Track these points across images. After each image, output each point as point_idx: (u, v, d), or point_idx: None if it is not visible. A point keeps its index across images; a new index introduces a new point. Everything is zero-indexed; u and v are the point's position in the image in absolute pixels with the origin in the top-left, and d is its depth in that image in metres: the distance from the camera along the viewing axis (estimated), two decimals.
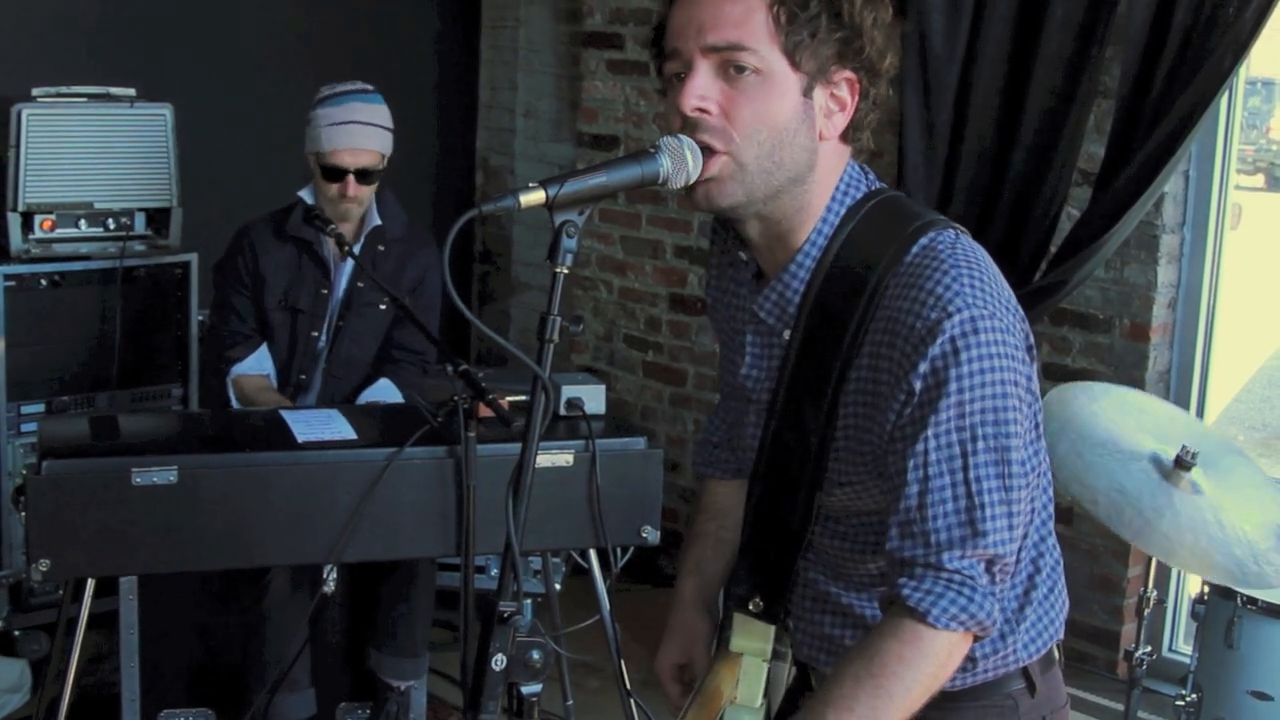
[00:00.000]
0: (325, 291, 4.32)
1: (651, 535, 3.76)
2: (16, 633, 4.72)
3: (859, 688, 1.85)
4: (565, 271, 1.87)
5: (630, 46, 5.68)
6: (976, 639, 1.90)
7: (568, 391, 3.87)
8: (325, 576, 3.54)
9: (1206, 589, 3.86)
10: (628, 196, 5.77)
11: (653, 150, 1.89)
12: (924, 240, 1.92)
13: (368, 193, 4.28)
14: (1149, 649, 3.92)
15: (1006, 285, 1.92)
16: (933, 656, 1.86)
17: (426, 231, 4.59)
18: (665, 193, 2.08)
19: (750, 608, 2.13)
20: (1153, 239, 4.71)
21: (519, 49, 6.47)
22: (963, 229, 1.97)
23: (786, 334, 2.02)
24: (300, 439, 3.52)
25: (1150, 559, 3.91)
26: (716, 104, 1.90)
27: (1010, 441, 1.87)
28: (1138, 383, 4.74)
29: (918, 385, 1.85)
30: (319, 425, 3.63)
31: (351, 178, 4.20)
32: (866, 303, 1.91)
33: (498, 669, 1.88)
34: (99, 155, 4.76)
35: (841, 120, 1.96)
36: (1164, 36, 4.28)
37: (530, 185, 1.84)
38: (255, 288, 4.30)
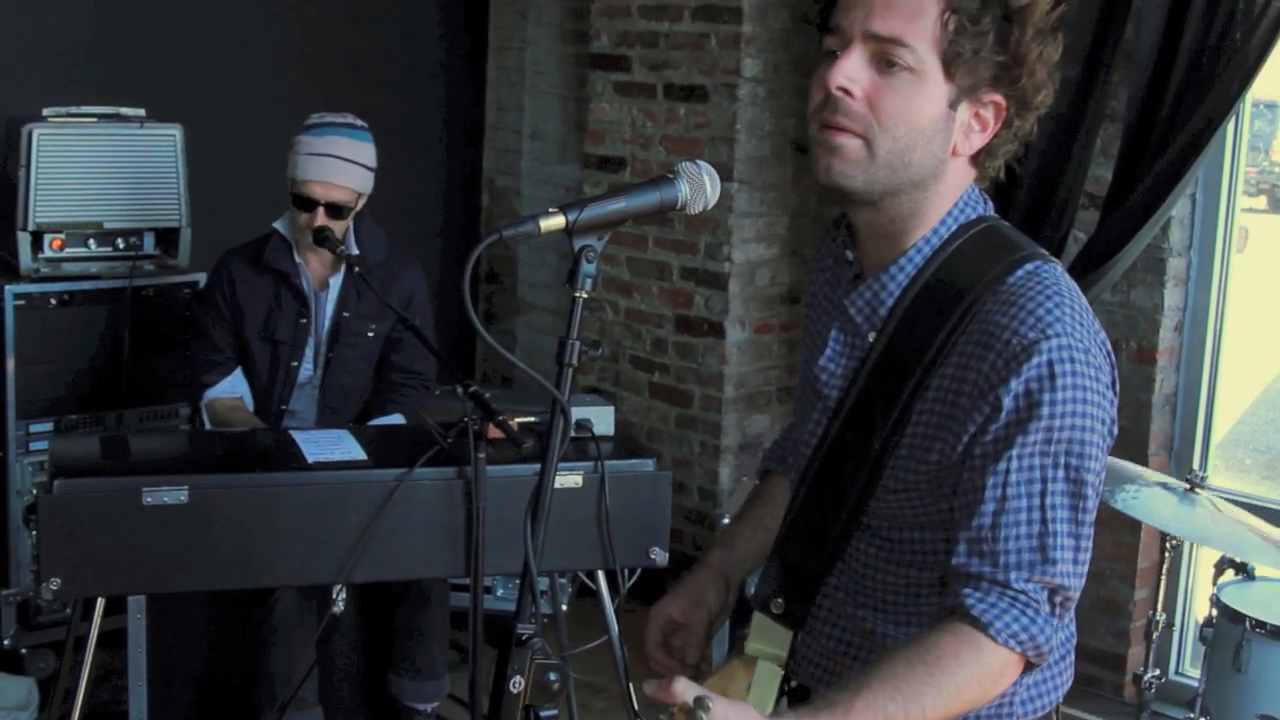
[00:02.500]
0: (305, 321, 4.32)
1: (660, 557, 3.76)
2: (24, 650, 4.71)
3: (910, 671, 1.84)
4: (585, 296, 1.89)
5: (637, 68, 5.69)
6: (1030, 667, 1.89)
7: (577, 413, 3.87)
8: (335, 596, 3.55)
9: (1214, 612, 3.86)
10: (633, 218, 5.77)
11: (671, 176, 1.91)
12: (1029, 267, 1.94)
13: (338, 227, 4.24)
14: (1157, 672, 3.93)
15: (1100, 326, 1.94)
16: (987, 667, 1.86)
17: (410, 251, 4.58)
18: (674, 215, 2.09)
19: (772, 609, 2.13)
20: (1160, 262, 4.72)
21: (526, 70, 6.48)
22: (1062, 266, 1.99)
23: (871, 336, 2.03)
24: (310, 459, 3.54)
25: (1158, 582, 3.92)
26: (862, 89, 1.91)
27: (1088, 477, 1.88)
28: (1144, 405, 4.75)
29: (1007, 402, 1.85)
30: (329, 446, 3.65)
31: (321, 210, 4.18)
32: (960, 315, 1.92)
33: (515, 690, 1.88)
34: (109, 175, 4.77)
35: (979, 140, 1.97)
36: (1171, 61, 4.30)
37: (550, 210, 1.85)
38: (235, 319, 4.32)
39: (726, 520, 4.54)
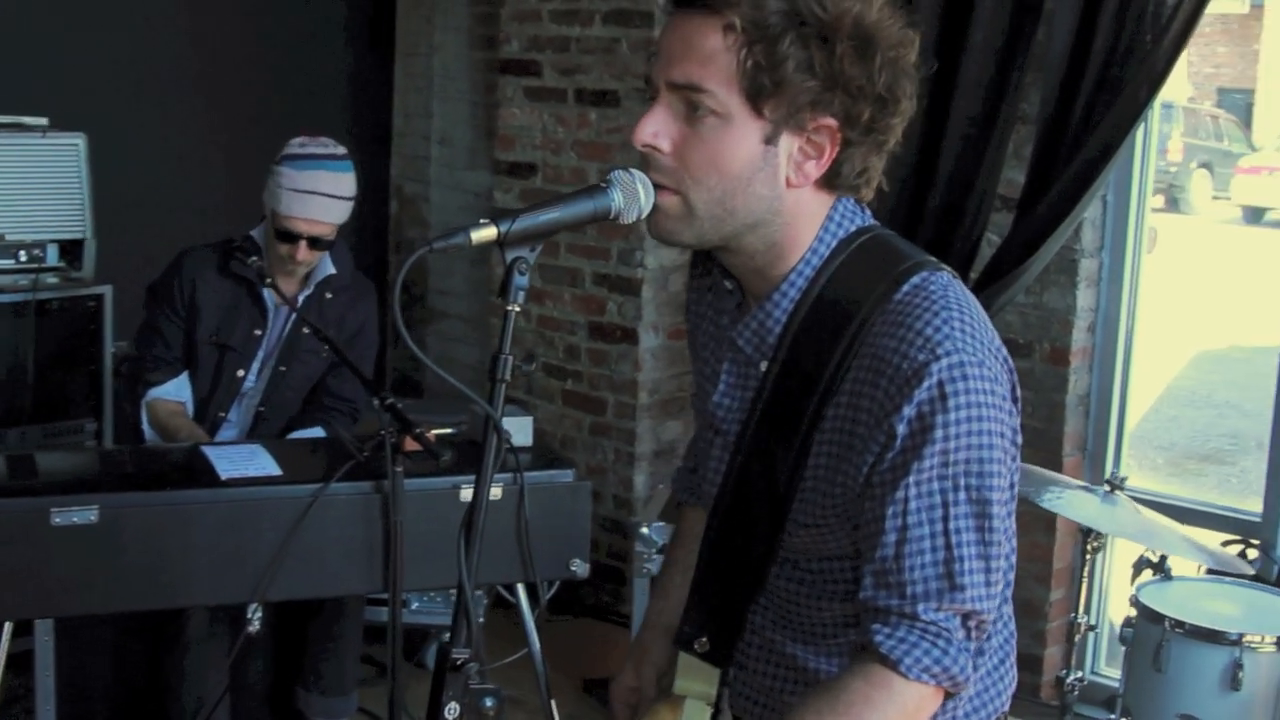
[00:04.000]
0: (258, 332, 4.24)
1: (581, 568, 3.73)
2: None
3: None
4: (518, 309, 1.83)
5: (548, 73, 5.64)
6: (948, 696, 1.85)
7: None
8: (250, 616, 3.48)
9: (1134, 613, 3.88)
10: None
11: (604, 185, 1.85)
12: (915, 280, 1.86)
13: (317, 257, 4.22)
14: (1080, 674, 3.94)
15: (995, 332, 1.87)
16: (900, 706, 1.81)
17: (367, 280, 4.55)
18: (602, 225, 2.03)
19: (696, 648, 2.08)
20: (1072, 263, 4.74)
21: (434, 76, 6.42)
22: (954, 273, 1.92)
23: (763, 365, 1.96)
24: (223, 475, 3.47)
25: (1074, 583, 3.93)
26: (670, 141, 1.85)
27: (992, 495, 1.82)
28: (1058, 406, 4.77)
29: (900, 429, 1.78)
30: (242, 461, 3.57)
31: (303, 244, 4.13)
32: (850, 340, 1.85)
33: (450, 718, 1.83)
34: (10, 185, 4.66)
35: (814, 170, 1.87)
36: (1083, 63, 4.31)
37: (482, 221, 1.80)
38: (189, 318, 4.22)
39: (645, 529, 4.50)
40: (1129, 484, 4.06)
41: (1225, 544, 4.53)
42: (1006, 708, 2.06)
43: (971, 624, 1.83)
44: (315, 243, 4.15)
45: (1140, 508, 3.89)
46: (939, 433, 1.77)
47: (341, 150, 4.22)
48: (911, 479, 1.79)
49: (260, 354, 4.27)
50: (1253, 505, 7.73)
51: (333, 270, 4.30)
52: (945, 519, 1.80)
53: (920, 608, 1.80)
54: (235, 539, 3.38)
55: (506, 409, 3.95)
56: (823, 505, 1.90)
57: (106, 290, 4.80)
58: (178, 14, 5.79)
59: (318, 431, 4.30)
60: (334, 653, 4.15)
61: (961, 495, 1.80)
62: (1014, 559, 1.97)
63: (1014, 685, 2.05)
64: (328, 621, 4.12)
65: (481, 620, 4.60)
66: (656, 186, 1.87)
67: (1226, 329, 12.31)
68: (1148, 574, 4.02)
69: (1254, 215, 19.51)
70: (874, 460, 1.82)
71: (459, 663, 1.87)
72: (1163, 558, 3.99)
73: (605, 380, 5.61)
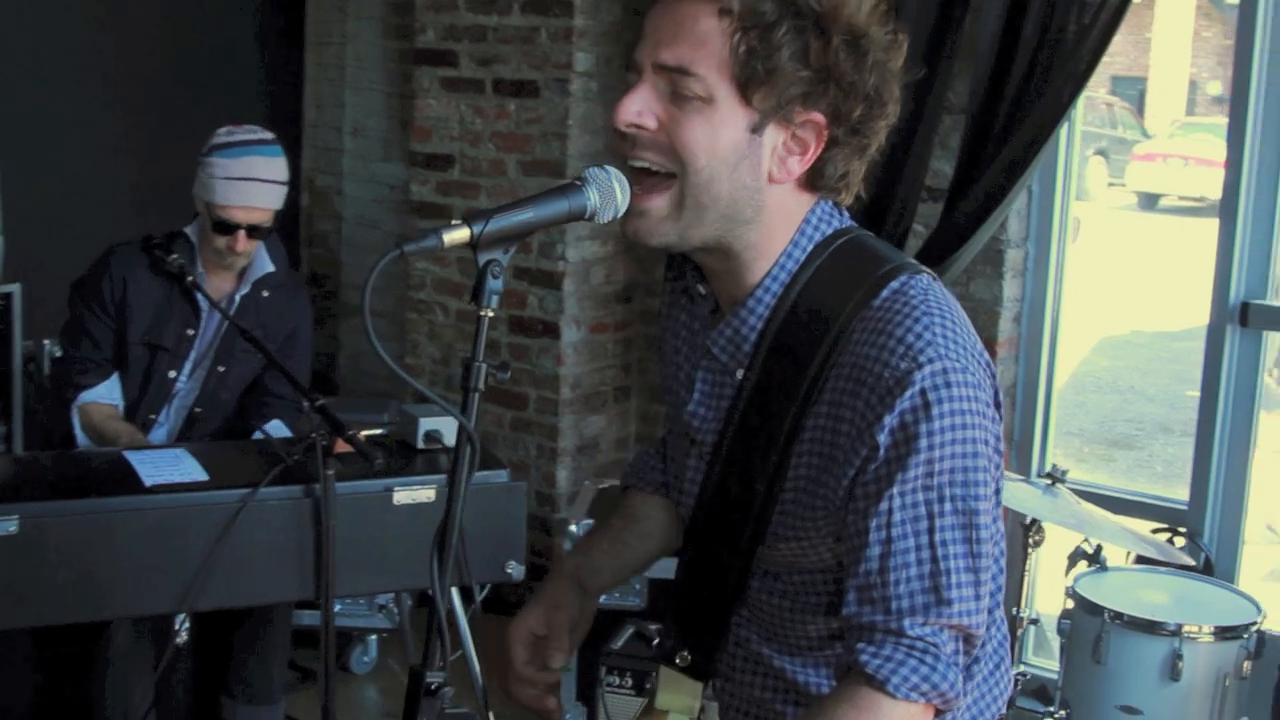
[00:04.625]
0: (191, 332, 4.11)
1: (516, 570, 3.66)
2: None
3: None
4: (491, 314, 1.75)
5: (465, 63, 5.54)
6: (938, 712, 1.78)
7: (425, 424, 3.76)
8: (178, 627, 3.37)
9: (1071, 605, 3.86)
10: (461, 214, 5.63)
11: (579, 183, 1.77)
12: (894, 284, 1.80)
13: (255, 246, 4.11)
14: (1022, 668, 3.93)
15: (977, 336, 1.82)
16: None
17: (299, 277, 4.44)
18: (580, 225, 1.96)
19: (678, 661, 2.02)
20: (998, 254, 4.72)
21: (346, 66, 6.30)
22: (934, 274, 1.86)
23: (739, 373, 1.89)
24: (148, 482, 3.36)
25: (1014, 578, 3.91)
26: (656, 120, 1.78)
27: (978, 505, 1.76)
28: None
29: (883, 440, 1.72)
30: (167, 466, 3.46)
31: (242, 234, 4.01)
32: (830, 346, 1.79)
33: None
34: None
35: (797, 165, 1.81)
36: (1012, 53, 4.29)
37: (454, 223, 1.72)
38: (118, 317, 4.07)
39: (573, 527, 4.43)
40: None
41: (1153, 532, 4.55)
42: (1003, 711, 2.01)
43: (960, 638, 1.77)
44: (254, 231, 4.04)
45: (1078, 500, 3.88)
46: (923, 442, 1.72)
47: (270, 135, 4.12)
48: (895, 490, 1.73)
49: (192, 354, 4.14)
50: (1160, 489, 7.85)
51: (270, 268, 4.19)
52: (931, 531, 1.74)
53: (906, 623, 1.74)
54: (161, 547, 3.27)
55: (436, 407, 3.90)
56: (803, 518, 1.84)
57: (15, 290, 4.63)
58: (84, 4, 5.63)
59: (277, 425, 4.19)
60: (261, 660, 4.05)
61: (948, 506, 1.74)
62: (1003, 563, 1.93)
63: (1010, 689, 2.00)
64: (254, 628, 4.01)
65: (401, 621, 4.52)
66: (640, 180, 1.80)
67: (1127, 315, 12.44)
68: (1083, 565, 4.02)
69: (1149, 202, 19.79)
70: (856, 472, 1.76)
71: (434, 687, 1.78)
72: (1098, 549, 3.99)
73: (527, 375, 5.53)
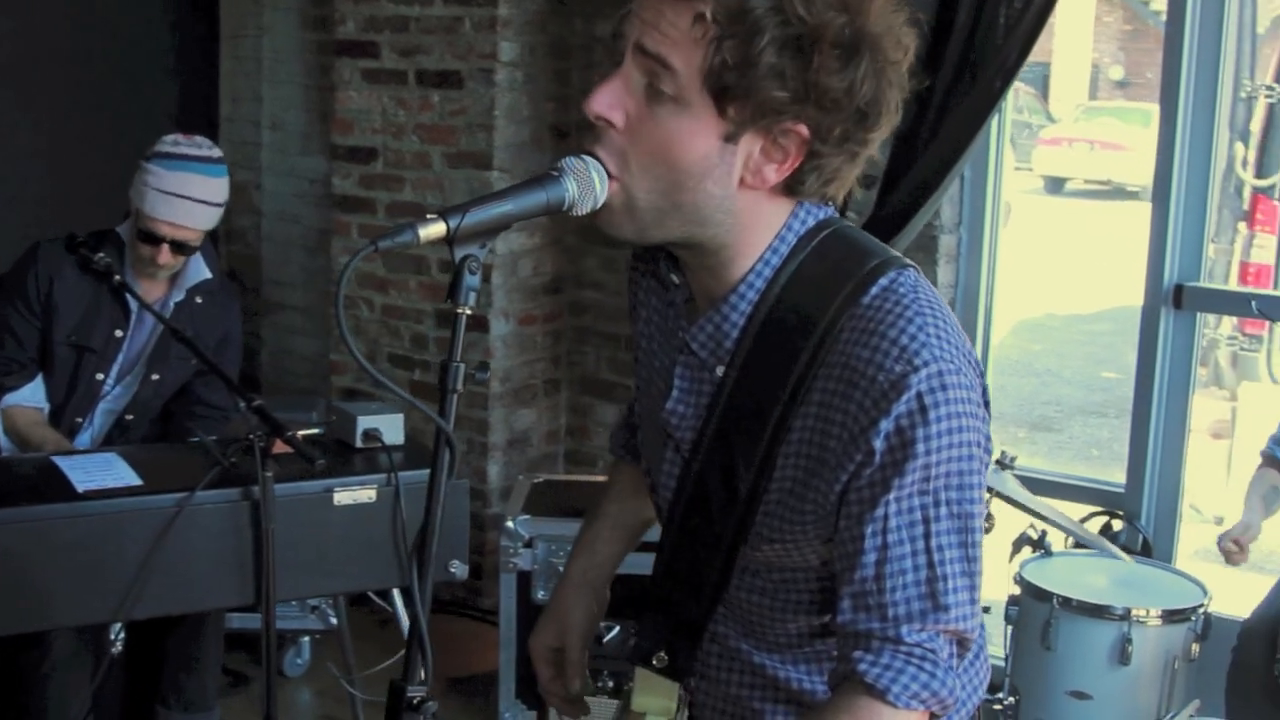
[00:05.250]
0: (120, 334, 3.99)
1: (460, 570, 3.59)
2: None
3: None
4: (469, 312, 1.68)
5: (387, 54, 5.46)
6: (934, 716, 1.74)
7: (364, 422, 3.67)
8: (114, 637, 3.27)
9: (1019, 591, 3.85)
10: (386, 209, 5.57)
11: (555, 173, 1.69)
12: (883, 281, 1.73)
13: (180, 261, 3.99)
14: None
15: (964, 332, 1.76)
16: None
17: (230, 283, 4.37)
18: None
19: (655, 663, 1.96)
20: (931, 240, 4.72)
21: (263, 59, 6.18)
22: (917, 267, 1.79)
23: (720, 370, 1.82)
24: (80, 488, 3.25)
25: None
26: (624, 117, 1.70)
27: (973, 508, 1.72)
28: None
29: (879, 445, 1.67)
30: (99, 472, 3.35)
31: (166, 247, 3.90)
32: (817, 345, 1.73)
33: None
34: None
35: (774, 174, 1.72)
36: (946, 38, 4.28)
37: (429, 217, 1.65)
38: (44, 316, 3.94)
39: (510, 523, 4.36)
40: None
41: (1090, 516, 4.56)
42: (982, 699, 1.97)
43: (957, 643, 1.73)
44: (179, 247, 3.93)
45: (1022, 486, 3.88)
46: (920, 447, 1.66)
47: (216, 153, 4.01)
48: (892, 496, 1.68)
49: (121, 357, 4.03)
50: (1081, 471, 7.91)
51: (207, 274, 4.09)
52: (927, 536, 1.69)
53: (904, 630, 1.69)
54: (95, 555, 3.17)
55: (376, 407, 3.84)
56: (790, 521, 1.78)
57: None
58: None
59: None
60: (195, 667, 3.95)
61: (943, 510, 1.70)
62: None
63: (988, 678, 1.96)
64: (188, 635, 3.91)
65: (335, 621, 4.43)
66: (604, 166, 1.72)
67: (1041, 298, 12.53)
68: (1027, 551, 4.01)
69: (1055, 185, 19.99)
70: (849, 477, 1.70)
71: (416, 702, 1.71)
72: (1043, 534, 3.98)
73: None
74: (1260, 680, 3.66)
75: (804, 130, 1.68)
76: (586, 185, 1.70)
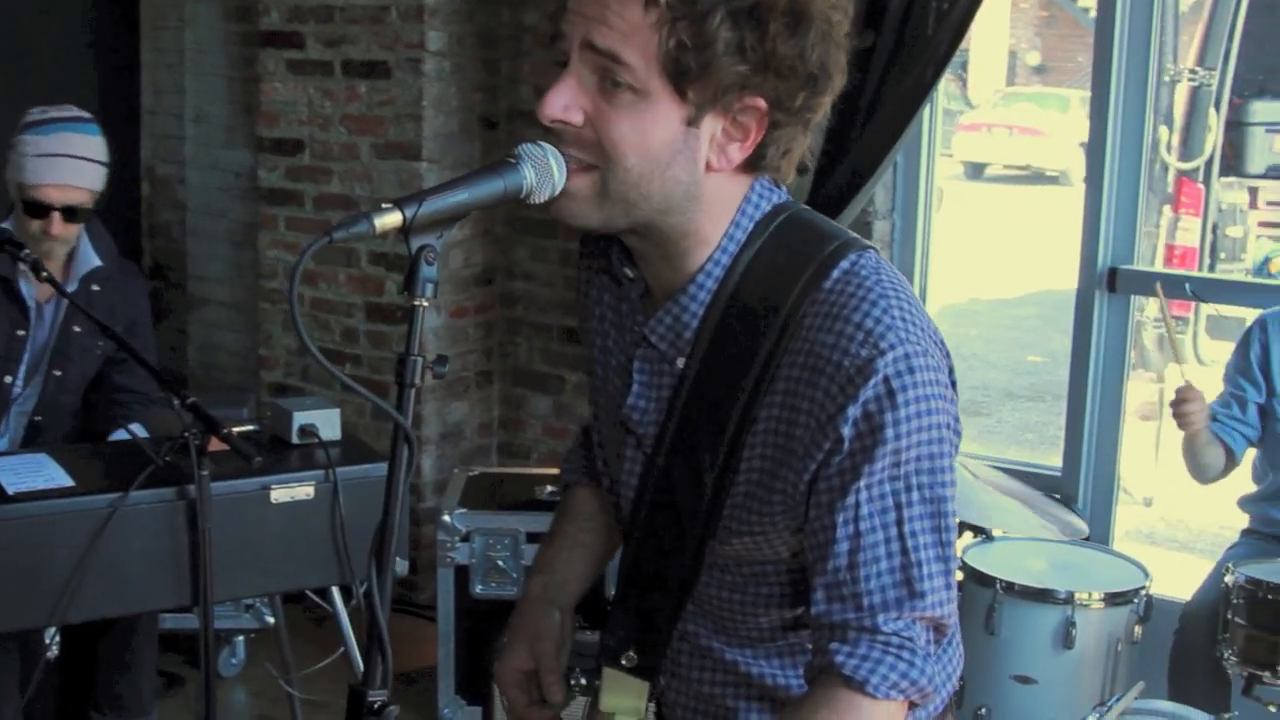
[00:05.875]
0: (21, 333, 3.89)
1: (400, 566, 3.55)
2: None
3: None
4: (427, 304, 1.64)
5: (312, 45, 5.38)
6: (913, 706, 1.72)
7: (300, 418, 3.63)
8: (49, 642, 3.20)
9: (961, 576, 3.85)
10: (314, 201, 5.50)
11: (512, 160, 1.65)
12: (844, 264, 1.71)
13: (74, 231, 3.87)
14: None
15: (928, 313, 1.74)
16: None
17: (132, 264, 4.26)
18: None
19: (624, 662, 1.92)
20: (865, 225, 4.71)
21: (185, 50, 6.08)
22: (877, 249, 1.77)
23: (680, 362, 1.79)
24: (10, 490, 3.19)
25: None
26: (583, 114, 1.67)
27: (945, 492, 1.69)
28: None
29: (848, 431, 1.65)
30: (29, 473, 3.29)
31: (57, 215, 3.78)
32: (779, 333, 1.70)
33: None
34: None
35: (738, 153, 1.71)
36: (878, 29, 4.27)
37: (384, 206, 1.60)
38: None
39: (446, 517, 4.32)
40: None
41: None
42: (958, 686, 1.95)
43: (933, 629, 1.72)
44: (70, 214, 3.81)
45: (970, 474, 3.88)
46: (889, 432, 1.64)
47: (87, 114, 3.92)
48: (863, 483, 1.66)
49: (26, 356, 3.94)
50: (1015, 455, 7.95)
51: (97, 262, 3.99)
52: (900, 522, 1.67)
53: (880, 619, 1.67)
54: (27, 559, 3.12)
55: (312, 402, 3.79)
56: (759, 512, 1.76)
57: None
58: None
59: (138, 429, 3.98)
60: (130, 670, 3.87)
61: (915, 496, 1.68)
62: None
63: (962, 664, 1.94)
64: (121, 638, 3.83)
65: (272, 619, 4.38)
66: (569, 160, 1.68)
67: (966, 283, 12.60)
68: (969, 537, 4.01)
69: (975, 171, 20.15)
70: (818, 465, 1.68)
71: (377, 706, 1.67)
72: None
73: (387, 363, 5.39)
74: (1203, 661, 3.68)
75: (762, 104, 1.68)
76: (545, 172, 1.66)
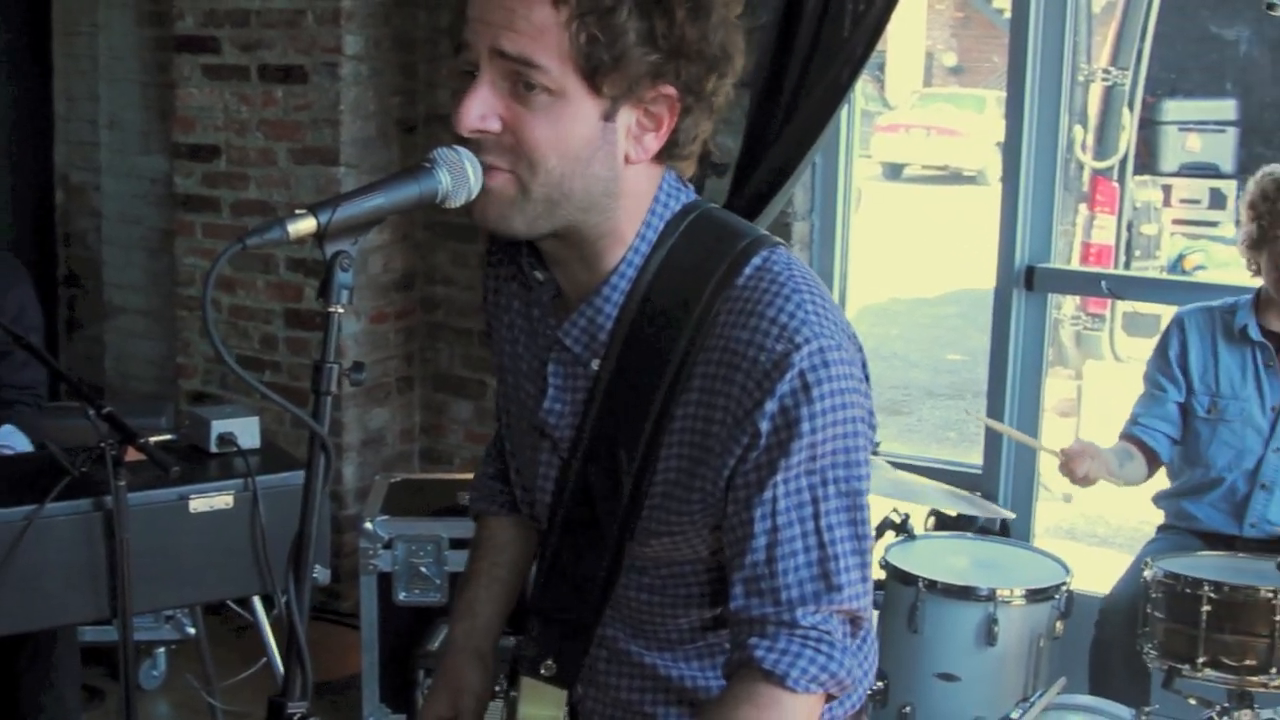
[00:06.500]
0: None
1: (321, 574, 3.53)
2: None
3: None
4: (342, 311, 1.63)
5: (228, 50, 5.33)
6: (830, 698, 1.73)
7: (218, 426, 3.59)
8: None
9: (884, 574, 3.87)
10: (231, 207, 5.45)
11: (428, 164, 1.64)
12: (756, 261, 1.72)
13: None
14: None
15: (840, 308, 1.75)
16: None
17: (14, 259, 4.16)
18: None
19: (542, 671, 1.90)
20: (785, 226, 4.72)
21: (99, 56, 6.01)
22: (787, 245, 1.80)
23: (595, 364, 1.79)
24: None
25: None
26: (500, 119, 1.66)
27: (861, 485, 1.71)
28: None
29: (764, 426, 1.65)
30: None
31: None
32: (694, 330, 1.71)
33: None
34: None
35: (654, 142, 1.71)
36: (795, 28, 4.28)
37: (298, 212, 1.58)
38: None
39: (368, 524, 4.29)
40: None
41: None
42: (874, 684, 1.95)
43: (850, 623, 1.72)
44: None
45: (890, 469, 3.90)
46: (805, 425, 1.65)
47: None
48: (780, 477, 1.67)
49: None
50: (936, 453, 8.01)
51: None
52: (816, 516, 1.68)
53: (798, 613, 1.68)
54: None
55: (231, 410, 3.75)
56: (678, 512, 1.76)
57: None
58: None
59: (9, 429, 3.91)
60: (53, 684, 3.81)
61: (831, 490, 1.69)
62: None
63: (877, 660, 1.95)
64: (41, 651, 3.77)
65: (192, 630, 4.33)
66: (486, 167, 1.68)
67: (886, 282, 12.67)
68: (890, 535, 4.03)
69: (894, 172, 20.28)
70: (736, 461, 1.68)
71: (297, 718, 1.65)
72: (905, 518, 4.00)
73: (306, 370, 5.33)
74: (1123, 655, 3.71)
75: (672, 91, 1.69)
76: (460, 176, 1.65)
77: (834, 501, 1.69)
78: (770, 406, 1.65)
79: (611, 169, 1.71)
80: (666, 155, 1.75)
